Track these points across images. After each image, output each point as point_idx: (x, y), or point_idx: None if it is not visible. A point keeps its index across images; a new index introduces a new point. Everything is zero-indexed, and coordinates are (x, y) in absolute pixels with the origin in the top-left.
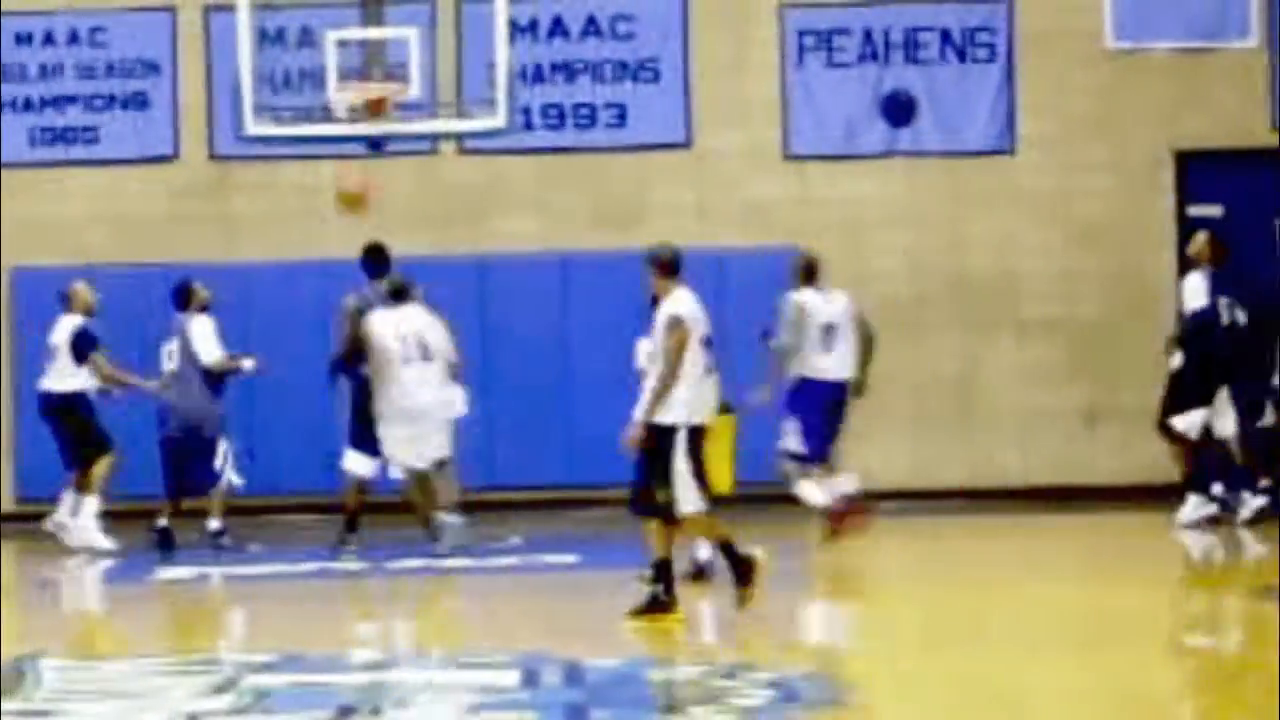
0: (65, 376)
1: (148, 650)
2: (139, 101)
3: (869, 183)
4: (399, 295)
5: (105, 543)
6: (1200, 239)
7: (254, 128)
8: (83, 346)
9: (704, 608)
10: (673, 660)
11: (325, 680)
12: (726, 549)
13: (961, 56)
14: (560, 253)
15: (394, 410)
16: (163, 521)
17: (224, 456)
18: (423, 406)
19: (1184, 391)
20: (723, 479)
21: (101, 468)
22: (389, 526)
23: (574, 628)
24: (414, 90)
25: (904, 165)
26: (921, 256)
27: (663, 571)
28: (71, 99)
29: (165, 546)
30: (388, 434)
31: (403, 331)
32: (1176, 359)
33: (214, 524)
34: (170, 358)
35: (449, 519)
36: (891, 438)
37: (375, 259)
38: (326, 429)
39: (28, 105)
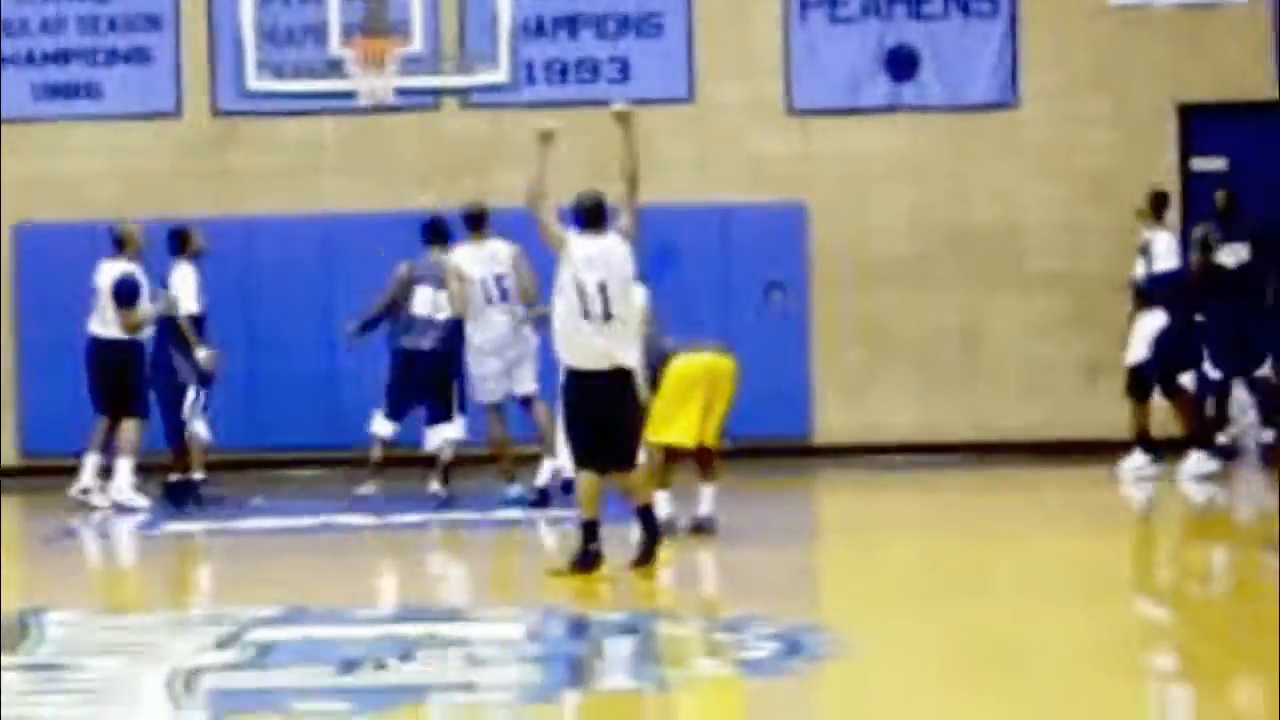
0: (110, 323)
1: (152, 604)
2: (141, 56)
3: (872, 137)
4: (478, 227)
5: (141, 502)
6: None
7: (256, 83)
8: (124, 294)
9: (707, 560)
10: (677, 613)
11: (329, 634)
12: (588, 526)
13: (965, 10)
14: (562, 206)
15: (482, 343)
16: (172, 476)
17: (189, 407)
18: (508, 339)
19: (1174, 352)
20: (709, 431)
21: (131, 429)
22: (393, 480)
23: (579, 581)
24: (416, 45)
25: (907, 119)
26: (925, 211)
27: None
28: (74, 53)
29: (175, 501)
30: (478, 369)
31: (485, 266)
32: (1157, 319)
33: (197, 475)
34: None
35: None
36: (896, 392)
37: (434, 229)
38: (328, 383)
39: (30, 59)
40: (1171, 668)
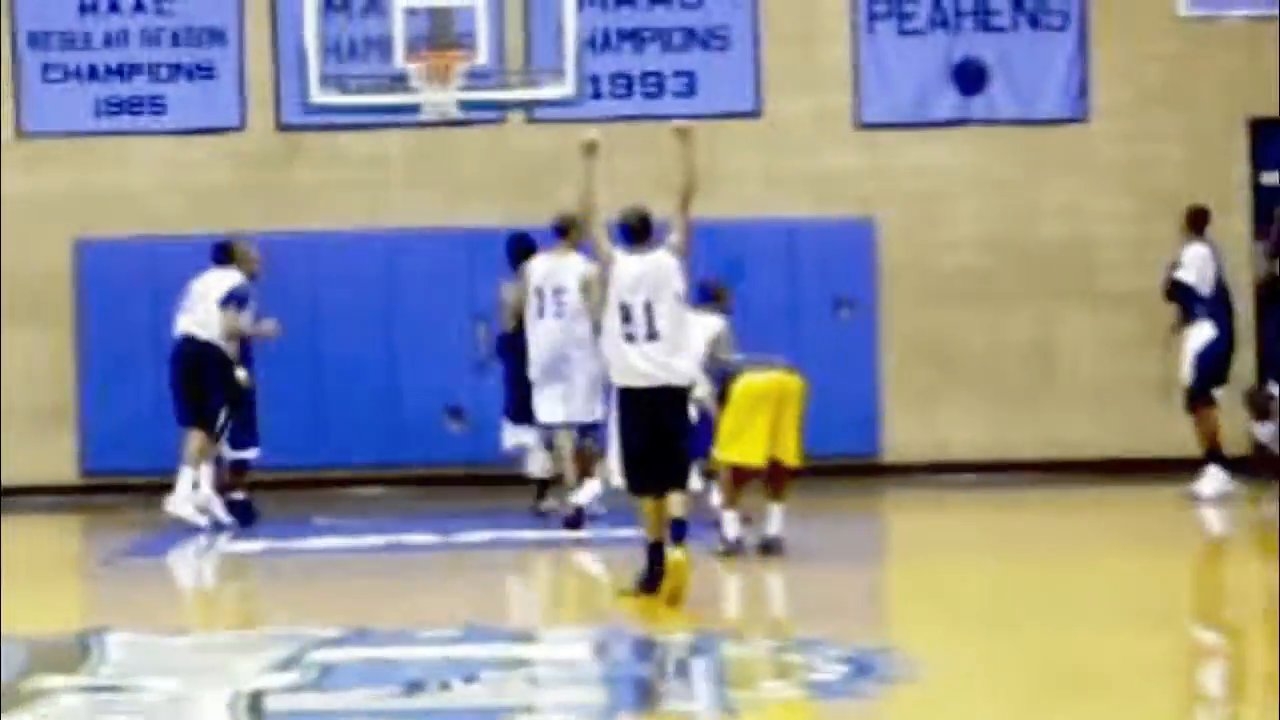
0: (212, 324)
1: (213, 625)
2: (205, 71)
3: (941, 151)
4: (560, 237)
5: (224, 515)
6: None
7: (320, 97)
8: (235, 300)
9: (775, 581)
10: (744, 634)
11: (392, 655)
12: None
13: (1034, 23)
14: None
15: (535, 360)
16: (237, 494)
17: (219, 427)
18: (559, 357)
19: (1209, 366)
20: (788, 449)
21: (201, 442)
22: (457, 498)
23: (645, 601)
24: (482, 58)
25: (976, 134)
26: (994, 226)
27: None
28: (137, 68)
29: (243, 520)
30: (537, 390)
31: (547, 278)
32: (1206, 331)
33: (237, 495)
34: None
35: (590, 485)
36: (965, 409)
37: (519, 247)
38: (391, 400)
39: (93, 74)
40: (1249, 694)
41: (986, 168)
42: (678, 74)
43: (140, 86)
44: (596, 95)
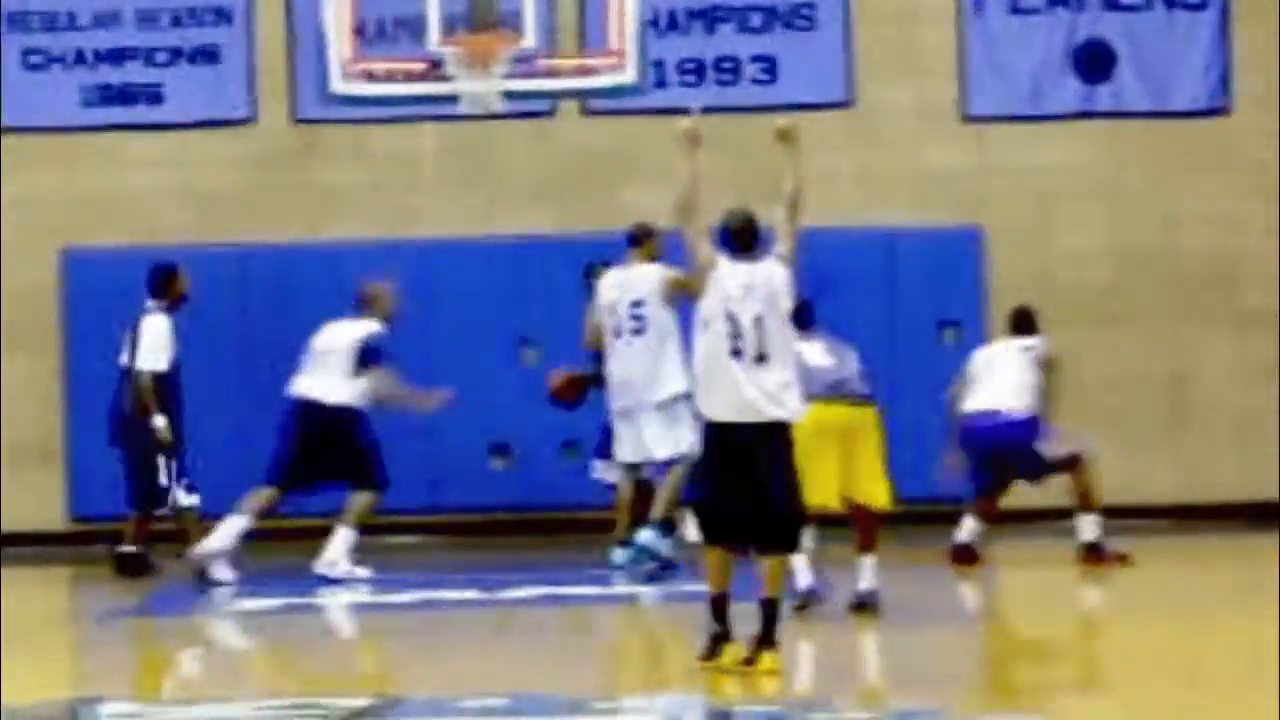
0: (340, 387)
1: (224, 694)
2: (209, 55)
3: (1060, 148)
4: (633, 245)
5: (361, 574)
6: None
7: (342, 86)
8: (371, 357)
9: (868, 642)
10: (835, 705)
11: None
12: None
13: (1169, 2)
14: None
15: (612, 388)
16: (124, 546)
17: (166, 473)
18: (637, 383)
19: None
20: (869, 491)
21: (366, 500)
22: (503, 548)
23: (716, 664)
24: (528, 41)
25: (1101, 128)
26: (1122, 235)
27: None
28: (131, 52)
29: (128, 571)
30: (618, 421)
31: (621, 291)
32: None
33: (197, 550)
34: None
35: (646, 533)
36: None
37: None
38: (429, 437)
39: (80, 59)
40: None
41: (1113, 167)
42: (756, 59)
43: (135, 73)
44: (661, 83)
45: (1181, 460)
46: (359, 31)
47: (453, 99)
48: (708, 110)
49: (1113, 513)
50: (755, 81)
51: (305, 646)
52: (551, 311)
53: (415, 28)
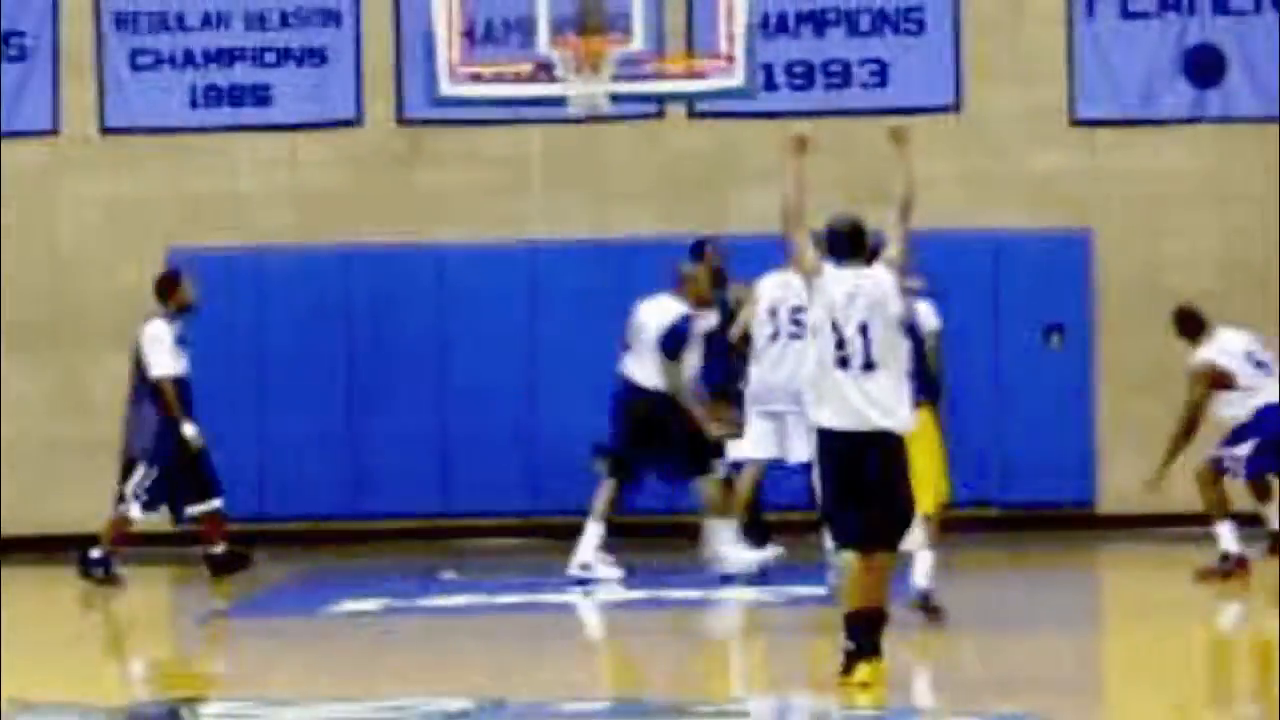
0: (653, 370)
1: (322, 695)
2: (317, 56)
3: (1171, 152)
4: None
5: (754, 559)
6: None
7: (450, 88)
8: (671, 344)
9: (968, 646)
10: (940, 709)
11: None
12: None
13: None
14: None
15: (757, 388)
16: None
17: (133, 483)
18: (786, 388)
19: None
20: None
21: (714, 487)
22: (606, 551)
23: (813, 669)
24: (637, 43)
25: (1212, 132)
26: (1233, 240)
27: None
28: (239, 53)
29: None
30: (751, 418)
31: (783, 292)
32: None
33: (94, 551)
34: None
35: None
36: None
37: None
38: (531, 440)
39: (189, 60)
40: None
41: (1223, 173)
42: (865, 62)
43: (243, 74)
44: (771, 86)
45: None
46: (467, 33)
47: (560, 101)
48: (816, 114)
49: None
50: (864, 85)
51: (403, 649)
52: None
53: (524, 29)
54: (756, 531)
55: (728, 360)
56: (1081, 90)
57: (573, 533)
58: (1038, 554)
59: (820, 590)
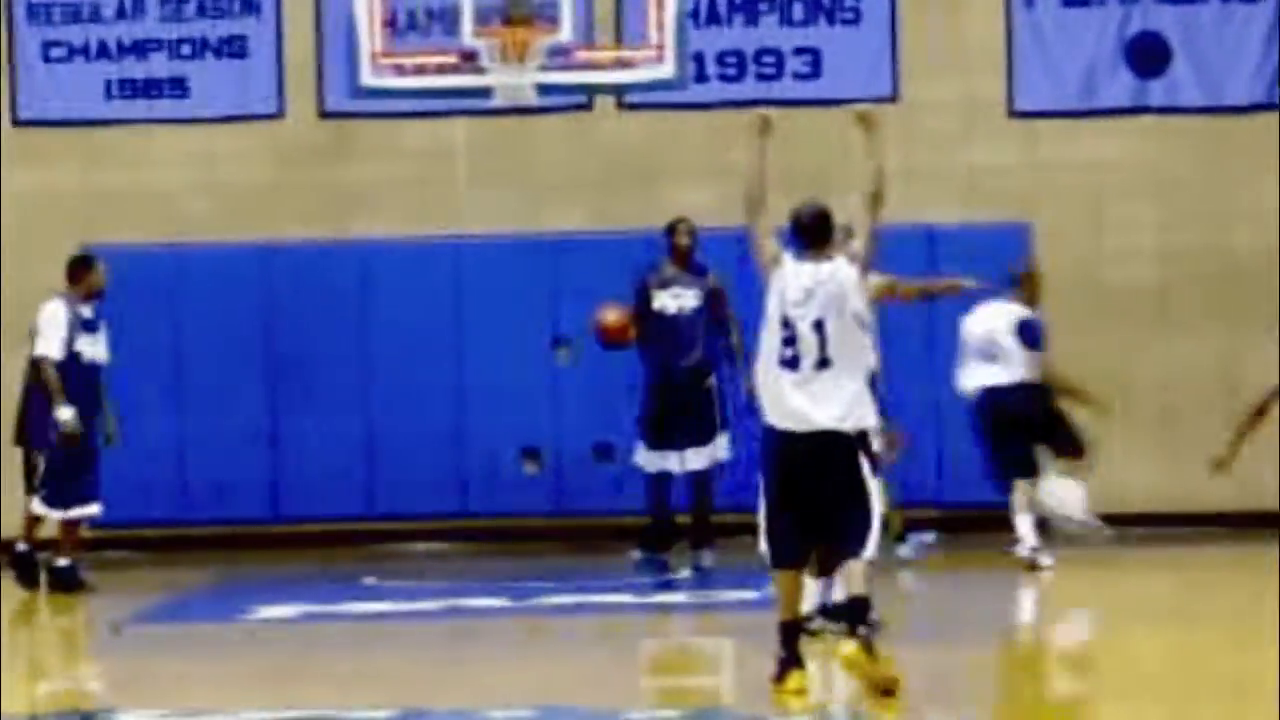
0: (1016, 366)
1: (239, 704)
2: (236, 47)
3: (1111, 145)
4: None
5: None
6: None
7: (371, 78)
8: (1030, 337)
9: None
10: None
11: None
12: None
13: None
14: (741, 227)
15: None
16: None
17: (37, 475)
18: None
19: None
20: None
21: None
22: (533, 555)
23: (752, 676)
24: (565, 33)
25: (1154, 124)
26: (1174, 234)
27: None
28: (156, 44)
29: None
30: None
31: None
32: None
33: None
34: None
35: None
36: (1139, 451)
37: None
38: (458, 440)
39: (103, 52)
40: None
41: (1165, 164)
42: (799, 51)
43: (160, 66)
44: (702, 77)
45: (1233, 467)
46: (389, 23)
47: (486, 92)
48: (748, 105)
49: (1159, 520)
50: (797, 76)
51: (324, 656)
52: (586, 310)
53: (448, 19)
54: None
55: (705, 344)
56: (1021, 81)
57: (499, 535)
58: (973, 555)
59: (750, 595)
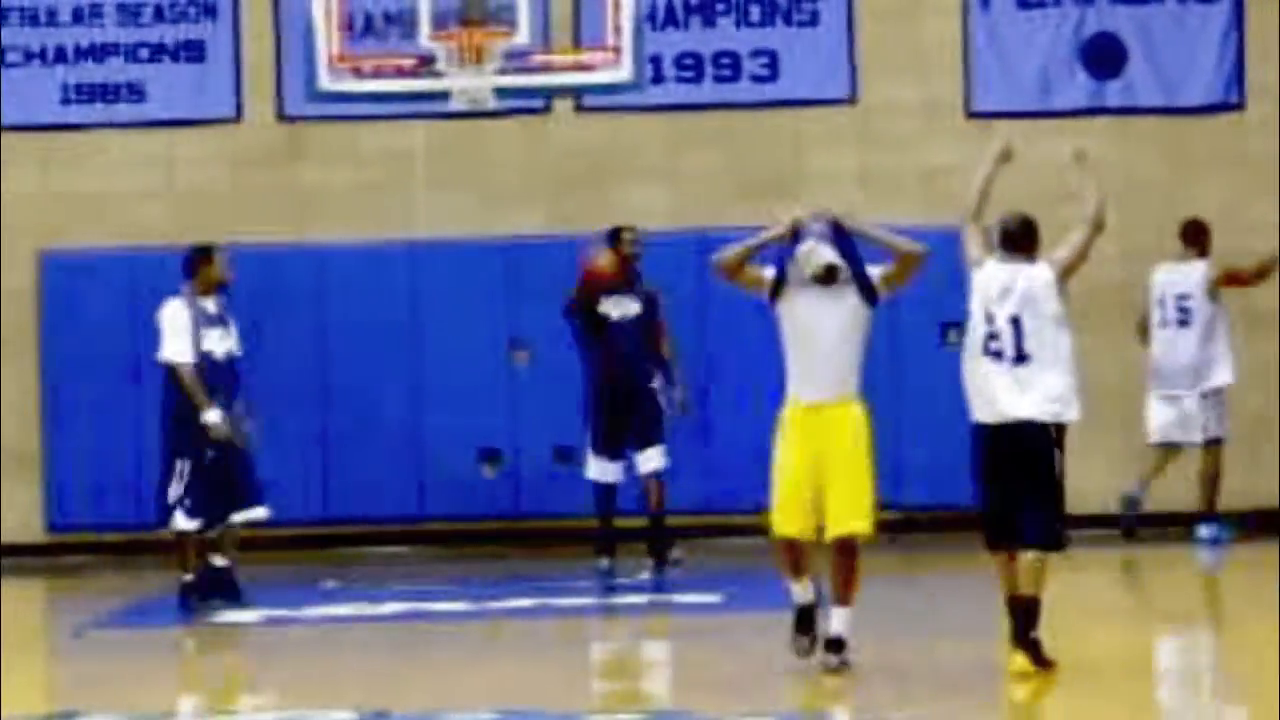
0: None
1: (200, 709)
2: (194, 51)
3: (1068, 146)
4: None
5: None
6: None
7: (329, 82)
8: None
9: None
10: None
11: None
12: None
13: None
14: (698, 230)
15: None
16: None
17: (173, 489)
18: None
19: None
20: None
21: None
22: (492, 559)
23: (712, 679)
24: (522, 36)
25: (1111, 125)
26: (1133, 234)
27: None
28: (113, 48)
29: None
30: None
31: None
32: None
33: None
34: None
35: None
36: (1102, 454)
37: None
38: (416, 443)
39: (60, 56)
40: None
41: (1124, 166)
42: (756, 54)
43: (117, 70)
44: (658, 79)
45: (1194, 469)
46: (347, 26)
47: (444, 96)
48: (705, 108)
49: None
50: (755, 78)
51: (284, 661)
52: (544, 313)
53: (405, 22)
54: None
55: (646, 352)
56: (978, 82)
57: (458, 539)
58: (932, 557)
59: (711, 598)
